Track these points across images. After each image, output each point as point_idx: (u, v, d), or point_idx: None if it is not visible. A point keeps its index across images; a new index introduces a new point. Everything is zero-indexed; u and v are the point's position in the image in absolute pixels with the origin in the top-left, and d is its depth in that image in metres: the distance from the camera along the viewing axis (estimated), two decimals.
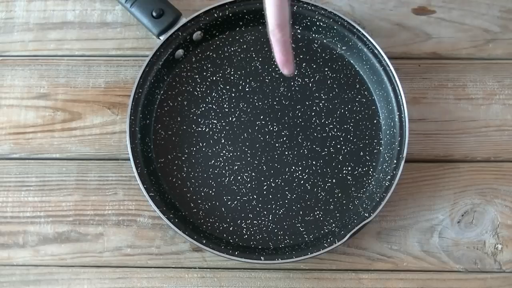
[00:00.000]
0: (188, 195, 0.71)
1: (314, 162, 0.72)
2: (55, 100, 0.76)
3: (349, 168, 0.72)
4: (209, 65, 0.75)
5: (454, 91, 0.76)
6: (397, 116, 0.72)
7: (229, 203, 0.71)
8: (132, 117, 0.71)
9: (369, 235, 0.71)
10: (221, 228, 0.70)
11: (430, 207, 0.72)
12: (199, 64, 0.75)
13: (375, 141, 0.73)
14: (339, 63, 0.75)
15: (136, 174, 0.69)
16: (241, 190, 0.71)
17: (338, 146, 0.73)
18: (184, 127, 0.74)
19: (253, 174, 0.72)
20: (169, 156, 0.73)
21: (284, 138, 0.73)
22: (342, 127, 0.73)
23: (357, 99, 0.74)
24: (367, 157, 0.73)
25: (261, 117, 0.74)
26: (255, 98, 0.75)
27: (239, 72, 0.75)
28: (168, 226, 0.68)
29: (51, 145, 0.74)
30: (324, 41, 0.76)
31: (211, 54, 0.76)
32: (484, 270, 0.70)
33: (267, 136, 0.73)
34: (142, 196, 0.69)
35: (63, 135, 0.75)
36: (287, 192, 0.72)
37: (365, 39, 0.73)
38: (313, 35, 0.76)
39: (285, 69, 0.64)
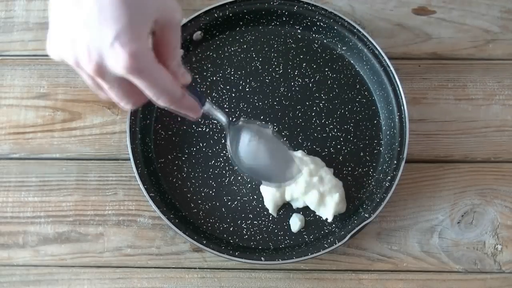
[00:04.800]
0: (188, 195, 0.71)
1: None
2: (55, 100, 0.76)
3: (349, 169, 0.72)
4: (209, 65, 0.75)
5: (454, 91, 0.76)
6: (397, 117, 0.72)
7: (229, 203, 0.71)
8: (132, 117, 0.71)
9: (369, 235, 0.71)
10: (221, 228, 0.70)
11: (430, 207, 0.72)
12: (199, 64, 0.75)
13: (375, 141, 0.73)
14: (339, 64, 0.75)
15: (136, 174, 0.69)
16: (241, 191, 0.71)
17: (338, 146, 0.73)
18: (184, 127, 0.73)
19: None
20: (169, 156, 0.72)
21: (284, 138, 0.73)
22: (342, 127, 0.73)
23: (357, 99, 0.74)
24: (367, 158, 0.73)
25: (261, 117, 0.74)
26: (255, 98, 0.74)
27: (239, 72, 0.75)
28: (169, 227, 0.68)
29: (51, 145, 0.74)
30: (325, 41, 0.76)
31: (211, 54, 0.76)
32: (484, 270, 0.70)
33: None
34: (142, 196, 0.69)
35: (63, 135, 0.74)
36: None
37: (365, 39, 0.73)
38: (314, 35, 0.76)
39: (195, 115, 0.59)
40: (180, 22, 0.53)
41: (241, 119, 0.68)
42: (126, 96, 0.52)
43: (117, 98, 0.52)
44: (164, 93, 0.51)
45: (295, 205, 0.70)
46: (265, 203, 0.70)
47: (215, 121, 0.73)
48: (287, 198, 0.70)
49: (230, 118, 0.72)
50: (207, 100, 0.60)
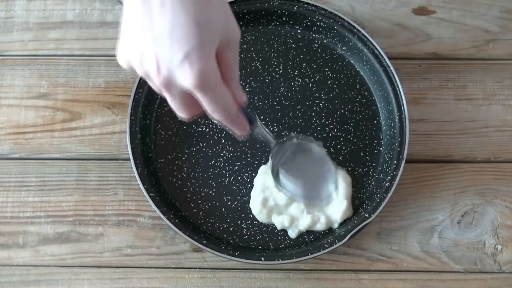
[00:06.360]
0: (188, 195, 0.71)
1: None
2: (55, 100, 0.76)
3: (349, 169, 0.72)
4: None
5: (454, 91, 0.76)
6: (397, 117, 0.72)
7: (229, 203, 0.71)
8: (133, 117, 0.71)
9: (369, 235, 0.71)
10: (221, 228, 0.70)
11: (430, 207, 0.72)
12: None
13: (375, 141, 0.73)
14: (340, 64, 0.75)
15: (136, 175, 0.69)
16: (241, 190, 0.71)
17: (339, 146, 0.73)
18: (184, 127, 0.73)
19: (253, 174, 0.72)
20: (169, 156, 0.72)
21: (285, 138, 0.73)
22: (342, 127, 0.73)
23: (357, 99, 0.74)
24: (367, 158, 0.73)
25: (261, 117, 0.74)
26: (255, 98, 0.74)
27: (239, 72, 0.75)
28: (169, 227, 0.68)
29: (51, 145, 0.74)
30: (325, 41, 0.76)
31: None
32: (484, 270, 0.70)
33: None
34: (142, 196, 0.69)
35: (63, 135, 0.74)
36: None
37: (365, 39, 0.73)
38: (314, 35, 0.76)
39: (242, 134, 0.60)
40: (239, 42, 0.54)
41: (293, 134, 0.70)
42: (184, 108, 0.54)
43: (176, 108, 0.55)
44: (222, 109, 0.53)
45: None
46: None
47: (215, 122, 0.73)
48: (287, 225, 0.70)
49: (279, 139, 0.71)
50: (257, 120, 0.61)
